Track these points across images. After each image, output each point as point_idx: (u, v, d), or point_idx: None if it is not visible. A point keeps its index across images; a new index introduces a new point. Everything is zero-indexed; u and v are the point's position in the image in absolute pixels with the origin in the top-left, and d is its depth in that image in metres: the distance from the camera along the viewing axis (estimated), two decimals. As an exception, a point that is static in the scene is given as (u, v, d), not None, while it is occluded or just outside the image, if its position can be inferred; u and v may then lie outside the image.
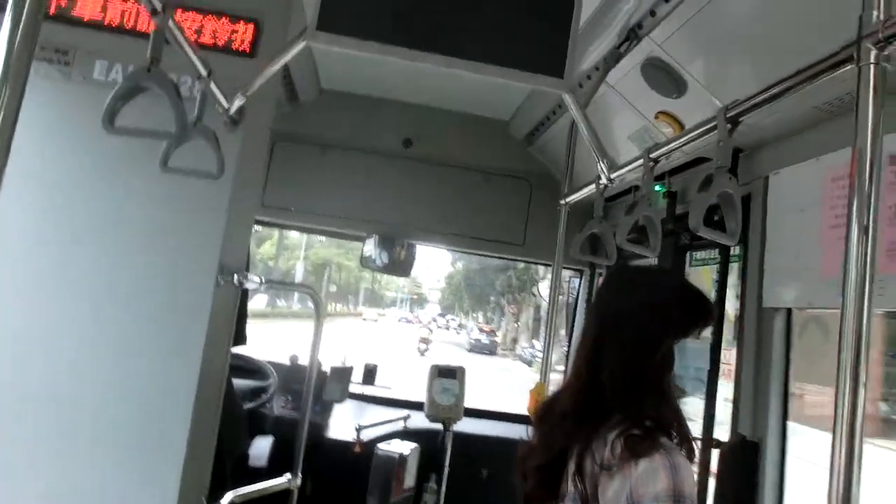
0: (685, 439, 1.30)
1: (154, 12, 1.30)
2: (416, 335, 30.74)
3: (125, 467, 1.93)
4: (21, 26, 0.85)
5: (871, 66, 0.95)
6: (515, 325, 39.79)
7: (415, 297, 60.72)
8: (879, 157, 0.95)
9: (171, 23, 1.34)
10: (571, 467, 1.31)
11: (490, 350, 35.32)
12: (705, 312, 1.42)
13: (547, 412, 1.48)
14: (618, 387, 1.32)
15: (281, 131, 3.53)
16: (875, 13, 0.96)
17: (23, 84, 0.85)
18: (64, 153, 2.00)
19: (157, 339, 1.93)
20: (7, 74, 0.83)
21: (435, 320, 50.39)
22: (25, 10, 0.85)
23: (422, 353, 25.87)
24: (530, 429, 1.60)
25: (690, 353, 1.39)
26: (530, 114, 3.63)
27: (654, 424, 1.27)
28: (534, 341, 30.05)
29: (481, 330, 40.13)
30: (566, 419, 1.37)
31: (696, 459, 1.41)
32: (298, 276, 44.01)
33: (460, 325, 54.63)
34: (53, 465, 1.92)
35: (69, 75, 2.03)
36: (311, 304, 2.71)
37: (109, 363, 1.92)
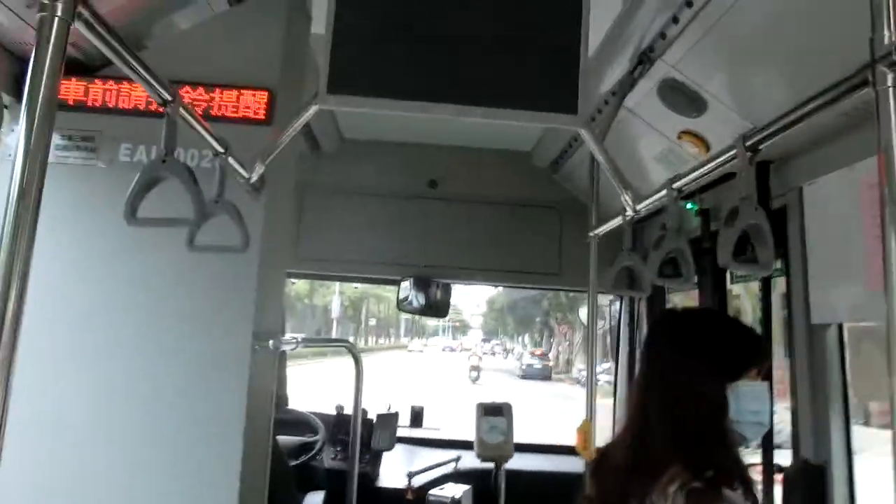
0: (748, 490, 1.25)
1: (164, 103, 1.33)
2: (465, 363, 30.40)
3: None
4: (36, 118, 0.89)
5: (890, 90, 0.91)
6: (568, 346, 38.87)
7: (457, 324, 59.91)
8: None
9: (181, 109, 1.37)
10: None
11: (544, 375, 33.84)
12: (756, 351, 1.37)
13: (599, 465, 1.45)
14: (669, 439, 1.28)
15: (307, 182, 3.58)
16: (887, 34, 0.92)
17: (42, 169, 0.89)
18: (96, 233, 2.06)
19: (198, 411, 1.94)
20: (26, 160, 0.87)
21: (480, 346, 49.20)
22: (39, 101, 0.90)
23: (473, 381, 25.62)
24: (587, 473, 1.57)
25: (743, 395, 1.33)
26: (552, 143, 3.62)
27: (715, 475, 1.22)
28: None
29: (533, 354, 38.42)
30: (619, 473, 1.34)
31: (759, 489, 1.35)
32: (335, 312, 43.82)
33: (506, 350, 53.18)
34: None
35: (96, 160, 2.09)
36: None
37: (151, 439, 1.93)
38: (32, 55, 0.90)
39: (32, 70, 0.90)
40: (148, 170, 1.42)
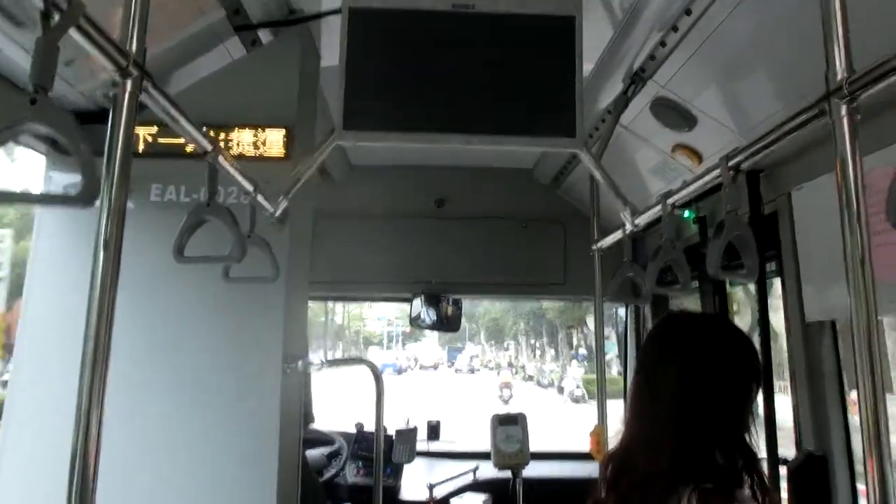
0: (764, 490, 1.25)
1: (206, 153, 1.47)
2: (496, 382, 28.99)
3: None
4: (115, 177, 1.04)
5: (844, 119, 1.05)
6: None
7: (407, 331, 46.19)
8: (862, 193, 1.04)
9: (220, 157, 1.51)
10: None
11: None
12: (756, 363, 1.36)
13: (620, 475, 1.37)
14: (685, 443, 1.26)
15: (318, 209, 3.72)
16: (839, 70, 1.06)
17: (122, 217, 1.06)
18: (137, 269, 2.19)
19: (236, 428, 2.07)
20: (109, 211, 1.04)
21: (452, 363, 40.07)
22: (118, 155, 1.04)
23: (506, 401, 24.70)
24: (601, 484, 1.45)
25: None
26: (553, 160, 3.77)
27: (727, 475, 1.23)
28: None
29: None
30: (636, 485, 1.30)
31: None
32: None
33: (511, 366, 39.38)
34: None
35: (129, 201, 2.24)
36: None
37: (192, 456, 2.05)
38: (109, 124, 1.05)
39: (109, 138, 1.04)
40: (194, 213, 1.56)
